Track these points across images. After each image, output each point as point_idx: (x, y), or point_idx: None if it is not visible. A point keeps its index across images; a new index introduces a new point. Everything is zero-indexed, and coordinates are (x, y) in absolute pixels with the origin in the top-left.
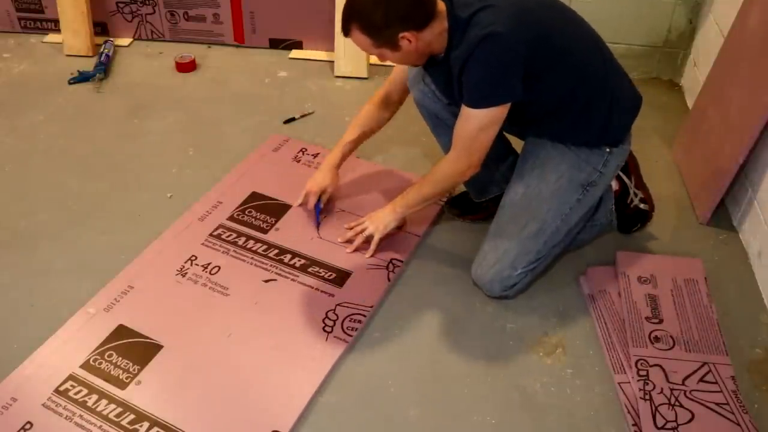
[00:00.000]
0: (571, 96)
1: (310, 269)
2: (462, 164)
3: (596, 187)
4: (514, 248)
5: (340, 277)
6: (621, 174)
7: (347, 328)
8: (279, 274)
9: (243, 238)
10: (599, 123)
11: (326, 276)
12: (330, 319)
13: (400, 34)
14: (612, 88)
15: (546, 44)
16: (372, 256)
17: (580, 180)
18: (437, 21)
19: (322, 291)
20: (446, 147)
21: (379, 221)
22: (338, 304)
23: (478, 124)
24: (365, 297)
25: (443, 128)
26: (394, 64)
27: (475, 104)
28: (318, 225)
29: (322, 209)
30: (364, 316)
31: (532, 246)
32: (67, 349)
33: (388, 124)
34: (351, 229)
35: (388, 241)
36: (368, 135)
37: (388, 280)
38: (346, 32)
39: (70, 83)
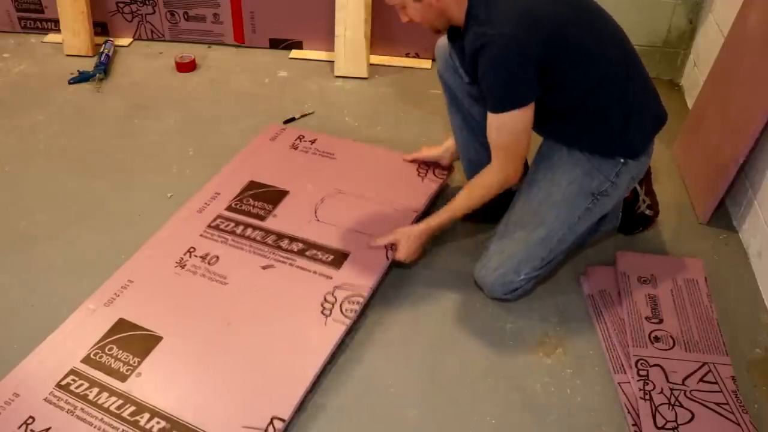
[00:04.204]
0: (585, 99)
1: (307, 253)
2: (503, 173)
3: (608, 197)
4: (519, 254)
5: (338, 259)
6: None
7: (346, 310)
8: (277, 260)
9: (241, 227)
10: (614, 131)
11: (324, 259)
12: (328, 302)
13: None
14: (633, 99)
15: (559, 41)
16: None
17: (591, 188)
18: None
19: (320, 274)
20: (457, 128)
21: (411, 246)
22: (336, 287)
23: (506, 128)
24: (364, 278)
25: (456, 107)
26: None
27: (496, 109)
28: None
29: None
30: (363, 297)
31: (538, 253)
32: (68, 344)
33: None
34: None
35: (388, 222)
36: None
37: (387, 258)
38: None
39: (70, 83)
